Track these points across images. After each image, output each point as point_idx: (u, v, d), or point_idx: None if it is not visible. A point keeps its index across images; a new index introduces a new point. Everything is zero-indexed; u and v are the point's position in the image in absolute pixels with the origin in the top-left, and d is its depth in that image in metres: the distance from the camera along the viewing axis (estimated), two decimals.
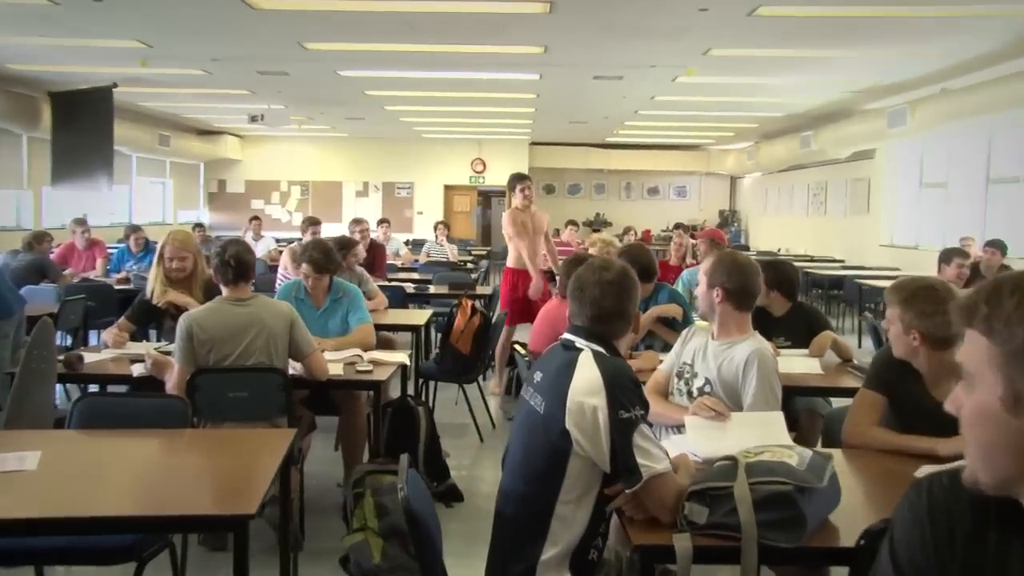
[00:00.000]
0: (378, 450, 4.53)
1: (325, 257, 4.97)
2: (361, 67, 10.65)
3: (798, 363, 4.28)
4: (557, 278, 7.54)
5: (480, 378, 6.41)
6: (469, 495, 4.87)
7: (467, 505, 4.78)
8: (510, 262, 7.57)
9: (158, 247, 4.89)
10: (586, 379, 2.33)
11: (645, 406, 2.32)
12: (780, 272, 4.69)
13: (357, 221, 8.63)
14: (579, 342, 2.47)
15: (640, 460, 2.22)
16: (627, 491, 2.26)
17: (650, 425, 2.31)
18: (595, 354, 2.41)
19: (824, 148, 14.33)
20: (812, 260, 14.92)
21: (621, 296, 2.50)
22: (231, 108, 14.72)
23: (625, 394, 2.29)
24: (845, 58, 9.40)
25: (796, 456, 2.25)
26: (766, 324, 4.04)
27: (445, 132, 18.50)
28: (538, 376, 2.52)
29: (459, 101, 13.41)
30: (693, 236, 9.12)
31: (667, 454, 2.34)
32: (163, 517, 2.42)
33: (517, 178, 7.53)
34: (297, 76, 11.19)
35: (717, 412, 2.95)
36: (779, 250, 17.37)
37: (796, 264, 6.31)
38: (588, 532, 2.36)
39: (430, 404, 6.28)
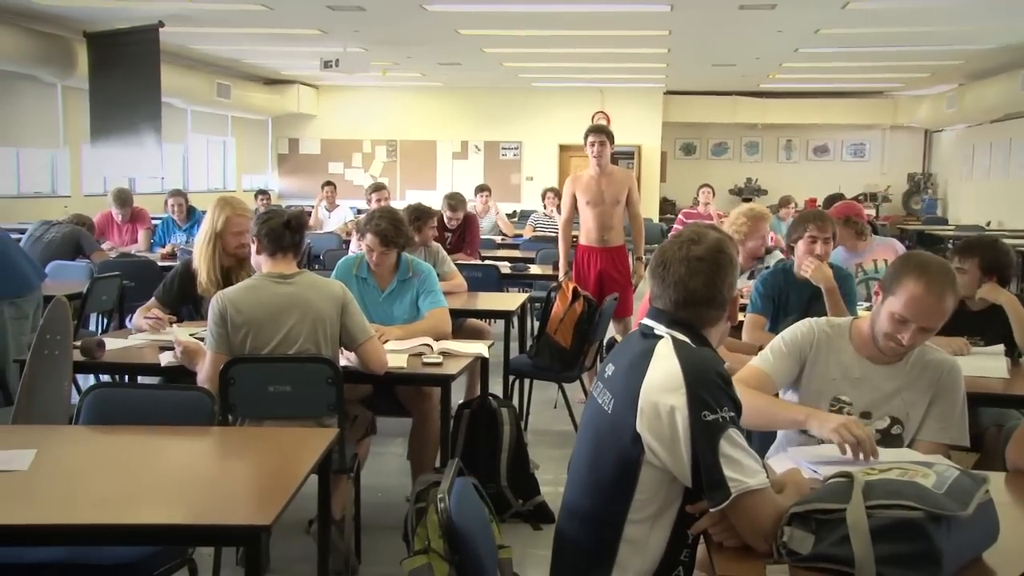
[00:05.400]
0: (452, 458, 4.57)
1: (394, 227, 4.97)
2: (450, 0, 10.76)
3: (987, 364, 4.11)
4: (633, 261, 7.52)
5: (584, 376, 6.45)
6: None
7: None
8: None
9: (210, 218, 4.89)
10: (663, 373, 2.33)
11: (736, 407, 2.31)
12: (999, 253, 4.52)
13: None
14: (659, 328, 2.46)
15: (728, 472, 2.21)
16: (712, 510, 2.25)
17: (742, 431, 2.28)
18: (676, 343, 2.40)
19: None
20: None
21: (713, 276, 2.45)
22: (300, 52, 15.00)
23: (710, 391, 2.27)
24: None
25: (933, 476, 2.18)
26: (959, 321, 3.80)
27: (560, 80, 18.52)
28: (609, 369, 2.54)
29: (572, 40, 13.37)
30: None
31: (764, 466, 2.31)
32: (148, 527, 2.48)
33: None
34: (375, 11, 11.35)
35: (864, 443, 2.65)
36: (987, 224, 16.78)
37: (1010, 242, 6.02)
38: (666, 560, 2.36)
39: (524, 406, 6.43)
